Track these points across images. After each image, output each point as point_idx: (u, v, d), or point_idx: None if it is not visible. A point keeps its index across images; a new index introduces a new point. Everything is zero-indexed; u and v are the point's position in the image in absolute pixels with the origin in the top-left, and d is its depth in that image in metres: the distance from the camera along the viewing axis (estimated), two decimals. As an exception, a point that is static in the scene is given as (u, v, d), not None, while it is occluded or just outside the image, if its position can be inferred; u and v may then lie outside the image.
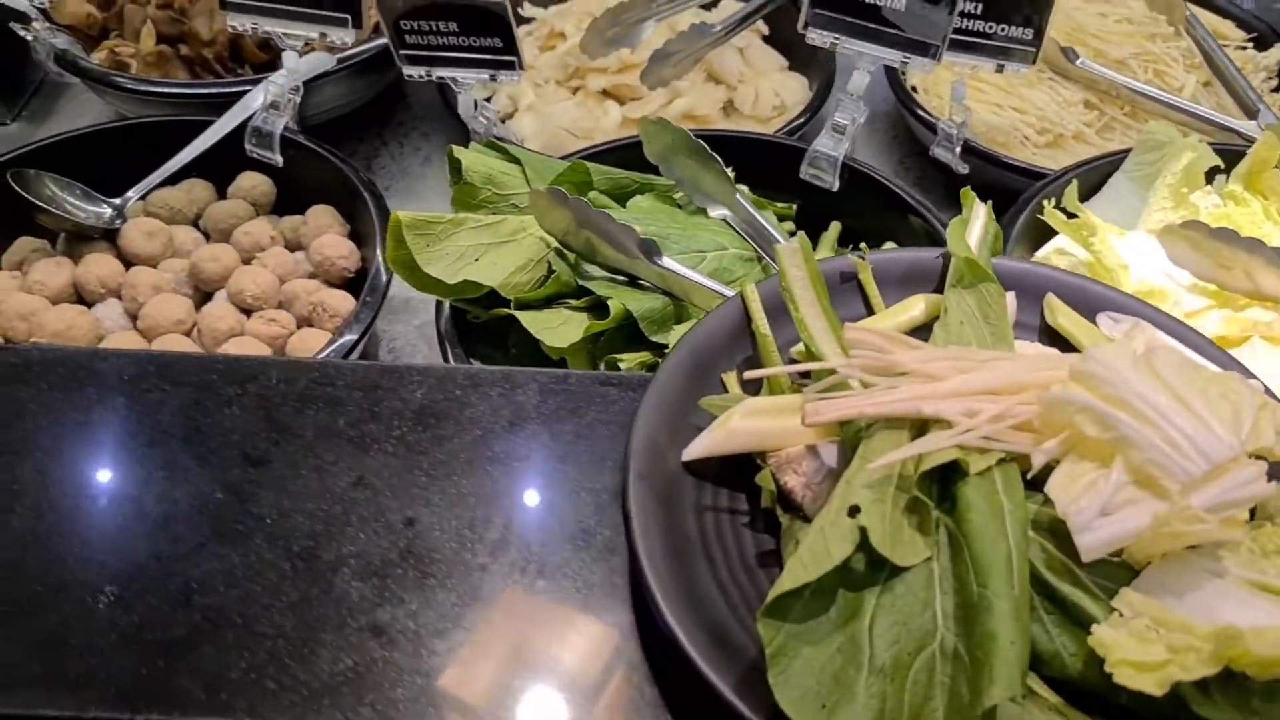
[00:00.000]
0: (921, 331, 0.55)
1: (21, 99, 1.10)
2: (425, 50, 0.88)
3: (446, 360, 0.74)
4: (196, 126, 0.91)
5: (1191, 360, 0.47)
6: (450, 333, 0.75)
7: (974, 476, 0.45)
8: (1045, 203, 0.79)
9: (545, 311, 0.74)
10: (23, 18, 0.95)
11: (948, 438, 0.44)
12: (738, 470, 0.51)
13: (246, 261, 0.84)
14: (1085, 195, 0.82)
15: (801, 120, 0.96)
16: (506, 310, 0.73)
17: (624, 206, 0.82)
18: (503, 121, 1.01)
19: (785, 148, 0.89)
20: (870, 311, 0.58)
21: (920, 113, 0.96)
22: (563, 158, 0.86)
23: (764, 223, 0.78)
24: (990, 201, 0.62)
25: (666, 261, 0.72)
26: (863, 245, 0.86)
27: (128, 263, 0.84)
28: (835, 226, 0.87)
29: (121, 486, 0.51)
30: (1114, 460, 0.43)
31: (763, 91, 1.02)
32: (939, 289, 0.57)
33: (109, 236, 0.85)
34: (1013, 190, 0.84)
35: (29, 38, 0.95)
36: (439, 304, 0.76)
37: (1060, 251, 0.79)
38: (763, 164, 0.88)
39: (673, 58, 0.99)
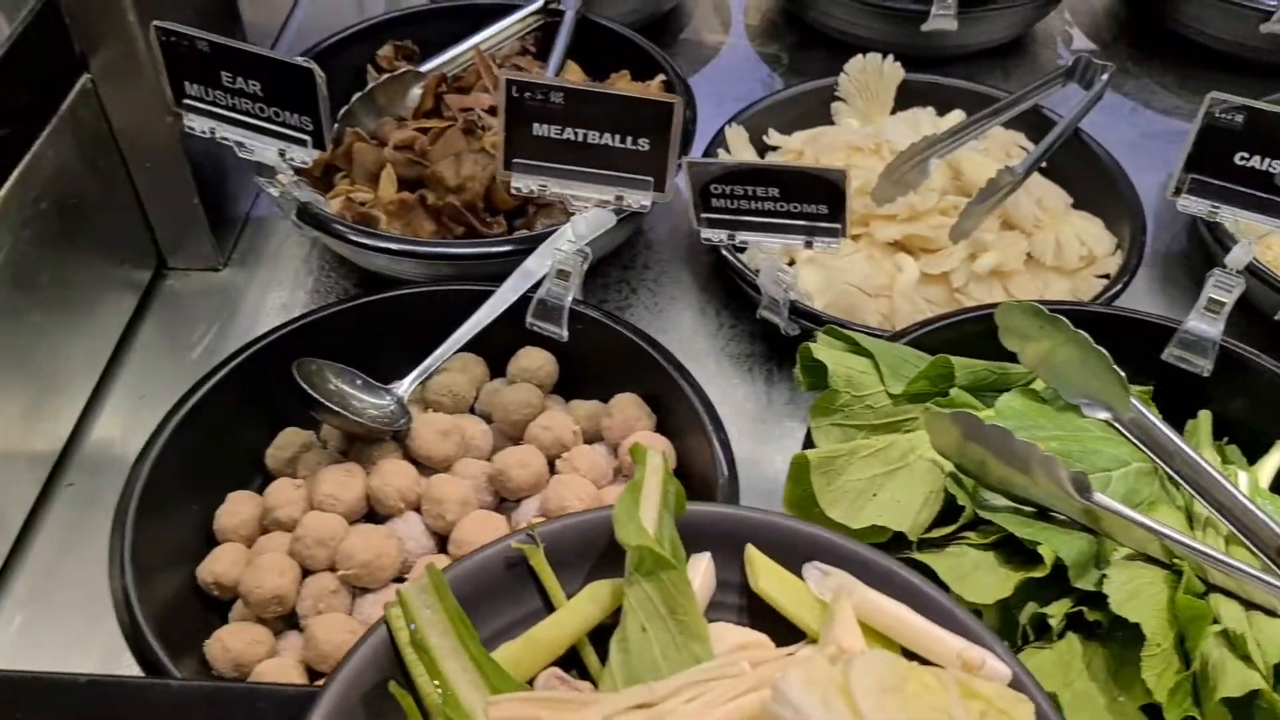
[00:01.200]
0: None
1: (230, 241, 1.01)
2: (727, 215, 0.80)
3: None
4: (460, 297, 0.82)
5: (897, 669, 0.40)
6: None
7: None
8: None
9: (951, 556, 0.64)
10: (267, 170, 0.86)
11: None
12: None
13: (551, 462, 0.75)
14: None
15: (1120, 286, 0.87)
16: (908, 555, 0.63)
17: (985, 404, 0.73)
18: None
19: (1138, 322, 0.80)
20: (548, 603, 0.50)
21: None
22: (894, 337, 0.77)
23: (1167, 432, 0.68)
24: (663, 453, 0.54)
25: (1101, 499, 0.62)
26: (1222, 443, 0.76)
27: (415, 464, 0.74)
28: (1205, 416, 0.77)
29: None
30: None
31: (1065, 239, 0.92)
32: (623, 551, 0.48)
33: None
34: None
35: (273, 192, 0.85)
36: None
37: None
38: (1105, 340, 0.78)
39: (975, 207, 0.89)
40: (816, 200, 0.78)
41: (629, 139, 0.77)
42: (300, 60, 0.75)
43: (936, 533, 0.64)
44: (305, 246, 1.02)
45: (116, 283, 0.92)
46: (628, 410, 0.77)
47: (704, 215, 0.81)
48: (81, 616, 0.75)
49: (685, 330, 0.94)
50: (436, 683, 0.44)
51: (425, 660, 0.45)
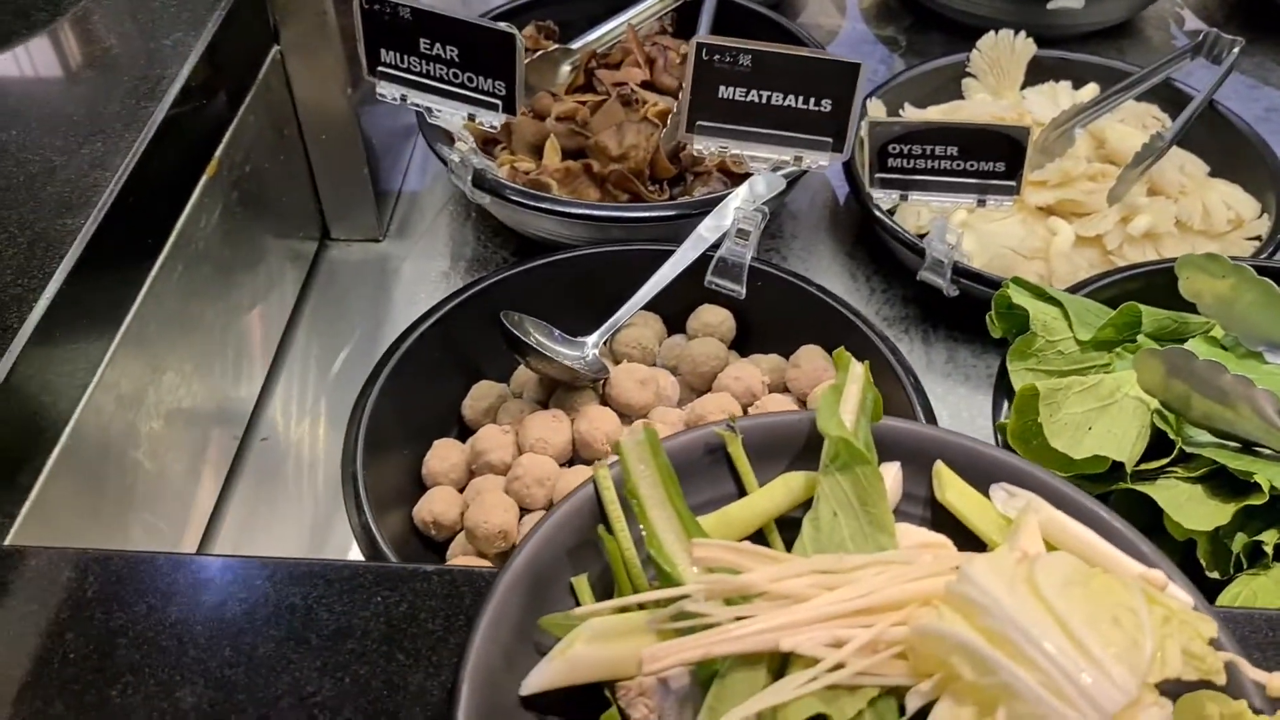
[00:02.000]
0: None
1: (389, 213, 1.04)
2: (901, 175, 0.82)
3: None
4: (642, 257, 0.84)
5: (1081, 569, 0.41)
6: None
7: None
8: None
9: (1165, 487, 0.66)
10: (446, 137, 0.90)
11: (808, 680, 0.39)
12: (588, 702, 0.44)
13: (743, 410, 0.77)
14: None
15: (1275, 247, 0.89)
16: (1125, 485, 0.65)
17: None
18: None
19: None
20: (742, 491, 0.52)
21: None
22: (1074, 289, 0.79)
23: (1355, 372, 0.71)
24: (867, 362, 0.54)
25: (1313, 430, 0.64)
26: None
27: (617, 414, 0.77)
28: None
29: None
30: (996, 709, 0.37)
31: (1212, 204, 0.94)
32: (816, 450, 0.49)
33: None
34: None
35: (454, 158, 0.89)
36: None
37: None
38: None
39: (1129, 172, 0.91)
40: (995, 158, 0.81)
41: (812, 100, 0.80)
42: (503, 26, 0.78)
43: (1146, 466, 0.66)
44: (459, 218, 1.05)
45: (290, 252, 0.95)
46: (814, 361, 0.79)
47: (878, 176, 0.84)
48: (287, 549, 0.78)
49: (837, 291, 0.97)
50: (642, 526, 0.46)
51: (636, 506, 0.47)
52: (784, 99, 0.80)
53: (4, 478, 0.54)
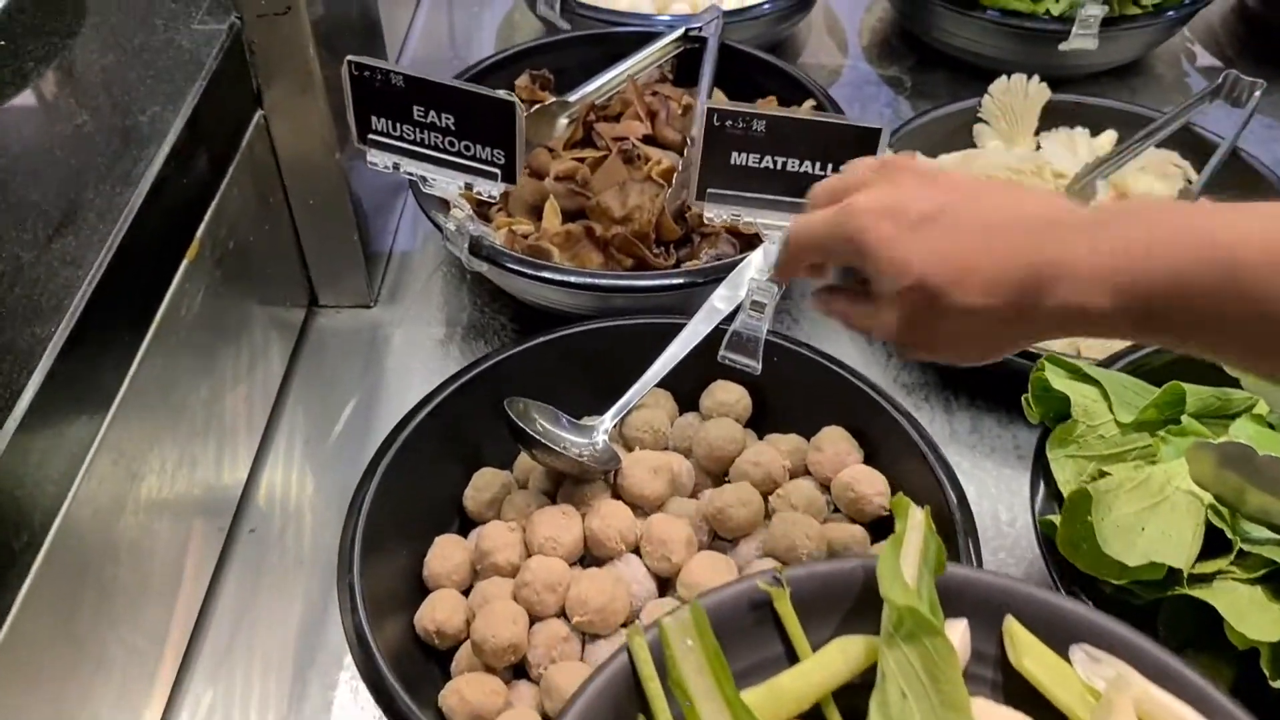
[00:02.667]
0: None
1: (379, 277, 0.99)
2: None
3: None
4: (651, 331, 0.80)
5: None
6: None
7: None
8: None
9: (1224, 591, 0.62)
10: (440, 203, 0.85)
11: None
12: None
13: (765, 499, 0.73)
14: None
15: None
16: (1181, 591, 0.61)
17: (1213, 431, 0.71)
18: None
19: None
20: (790, 654, 0.48)
21: None
22: (1107, 364, 0.75)
23: None
24: (928, 508, 0.50)
25: (1380, 529, 0.60)
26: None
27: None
28: None
29: None
30: None
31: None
32: (872, 606, 0.45)
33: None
34: None
35: (450, 226, 0.84)
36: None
37: None
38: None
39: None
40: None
41: (830, 165, 0.75)
42: (502, 94, 0.74)
43: (1202, 568, 0.62)
44: (454, 281, 1.00)
45: (276, 322, 0.90)
46: (837, 444, 0.75)
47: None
48: (276, 657, 0.73)
49: (853, 360, 0.92)
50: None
51: (681, 696, 0.43)
52: (800, 164, 0.76)
53: (-32, 627, 0.49)
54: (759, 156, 0.75)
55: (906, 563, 0.44)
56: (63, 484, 0.57)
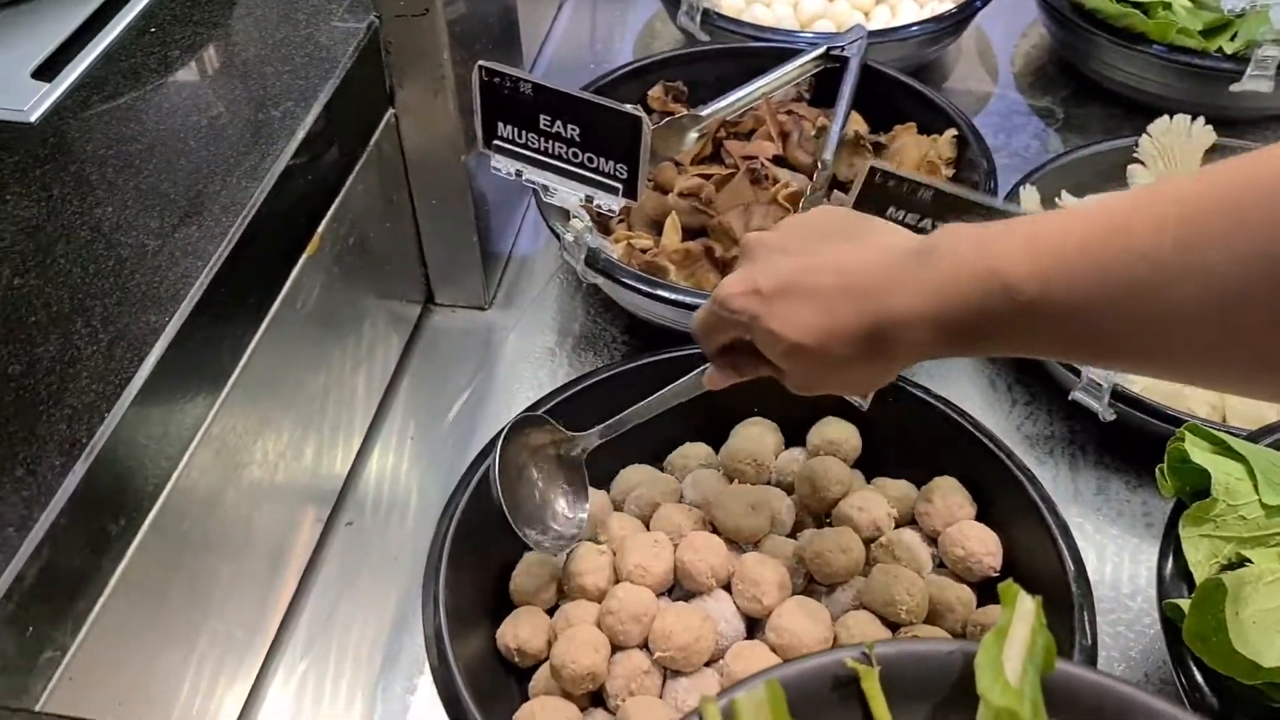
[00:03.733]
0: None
1: (496, 280, 0.99)
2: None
3: None
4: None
5: None
6: None
7: None
8: None
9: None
10: (561, 212, 0.84)
11: None
12: None
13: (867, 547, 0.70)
14: None
15: None
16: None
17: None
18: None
19: None
20: None
21: None
22: (1255, 437, 0.69)
23: None
24: (1039, 599, 0.45)
25: None
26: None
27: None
28: None
29: None
30: None
31: None
32: (968, 694, 0.42)
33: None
34: None
35: (568, 236, 0.83)
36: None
37: None
38: None
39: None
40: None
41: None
42: (629, 108, 0.72)
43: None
44: (569, 289, 0.99)
45: (391, 318, 0.91)
46: (950, 496, 0.71)
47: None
48: (363, 653, 0.74)
49: (974, 405, 0.88)
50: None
51: None
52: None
53: (60, 608, 0.50)
54: (919, 217, 0.72)
55: (1010, 656, 0.41)
56: (166, 468, 0.58)
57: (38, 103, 0.71)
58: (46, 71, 0.73)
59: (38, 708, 0.49)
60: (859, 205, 0.66)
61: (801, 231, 0.57)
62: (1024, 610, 0.42)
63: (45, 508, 0.49)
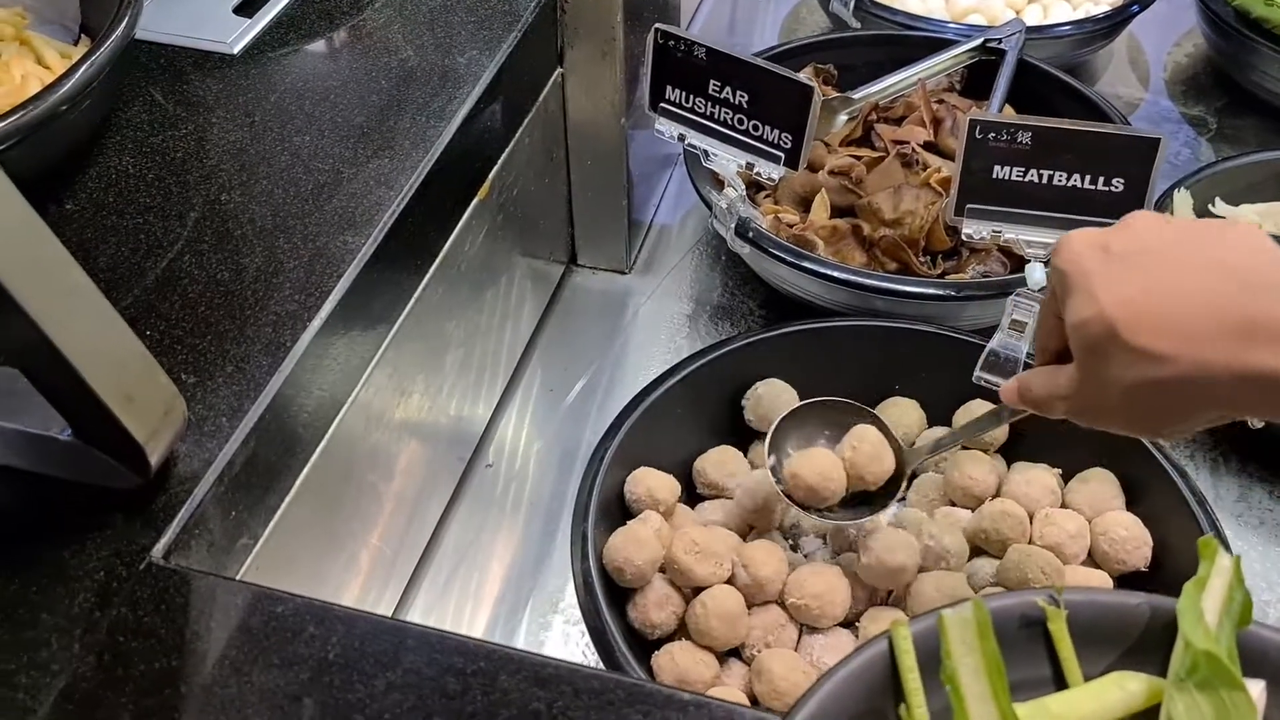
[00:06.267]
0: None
1: (637, 246, 1.01)
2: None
3: None
4: (899, 336, 0.78)
5: None
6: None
7: None
8: None
9: None
10: (713, 180, 0.86)
11: None
12: None
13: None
14: None
15: None
16: None
17: None
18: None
19: None
20: (1058, 678, 0.44)
21: None
22: None
23: None
24: (1238, 557, 0.43)
25: None
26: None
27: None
28: None
29: None
30: None
31: None
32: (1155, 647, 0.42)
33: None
34: None
35: (721, 203, 0.84)
36: None
37: None
38: None
39: None
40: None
41: (1101, 179, 0.71)
42: (802, 77, 0.73)
43: None
44: (708, 260, 1.01)
45: (537, 275, 0.93)
46: (1101, 487, 0.71)
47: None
48: (497, 588, 0.77)
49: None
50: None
51: (952, 693, 0.41)
52: (1068, 179, 0.72)
53: (258, 499, 0.53)
54: (1023, 170, 0.73)
55: (1207, 609, 0.41)
56: (346, 388, 0.61)
57: (239, 36, 0.75)
58: (247, 8, 0.77)
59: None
60: (965, 169, 0.67)
61: (1186, 222, 0.49)
62: (1222, 565, 0.43)
63: (255, 401, 0.52)
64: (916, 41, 1.06)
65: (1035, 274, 0.77)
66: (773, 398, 0.76)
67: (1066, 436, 0.73)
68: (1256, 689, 0.42)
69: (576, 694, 0.41)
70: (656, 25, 0.76)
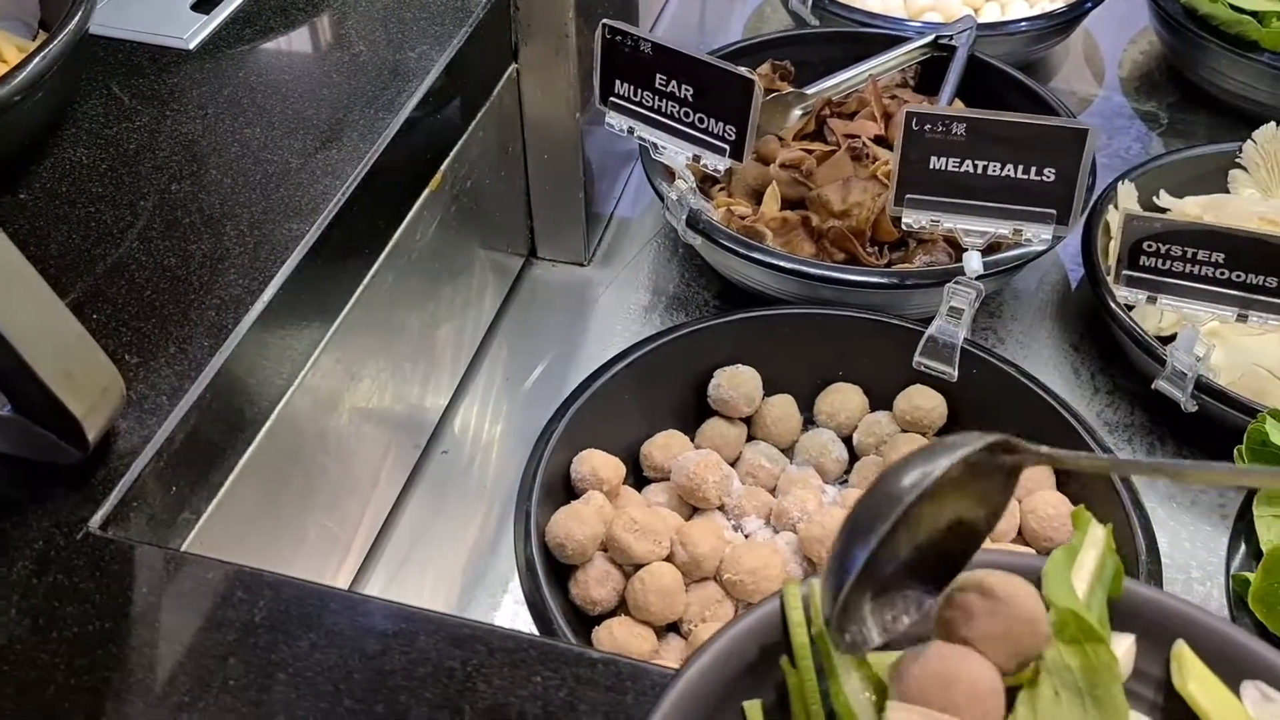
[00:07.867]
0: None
1: (596, 239, 1.04)
2: (1153, 276, 0.75)
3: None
4: (844, 324, 0.80)
5: None
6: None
7: None
8: None
9: None
10: (666, 173, 0.88)
11: None
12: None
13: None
14: None
15: None
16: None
17: None
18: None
19: None
20: None
21: None
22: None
23: None
24: (1110, 527, 0.45)
25: None
26: None
27: (801, 487, 0.73)
28: None
29: None
30: None
31: None
32: None
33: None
34: None
35: (672, 196, 0.87)
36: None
37: None
38: None
39: None
40: (1267, 272, 0.72)
41: (1033, 169, 0.74)
42: (743, 70, 0.75)
43: None
44: (665, 253, 1.03)
45: (495, 266, 0.95)
46: (1031, 468, 0.73)
47: (1126, 273, 0.77)
48: (448, 571, 0.79)
49: (1057, 390, 0.89)
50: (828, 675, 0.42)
51: (824, 652, 0.43)
52: (1002, 169, 0.75)
53: (199, 475, 0.55)
54: (959, 161, 0.75)
55: (1079, 574, 0.43)
56: (292, 370, 0.63)
57: (196, 32, 0.77)
58: (205, 4, 0.79)
59: (172, 564, 0.54)
60: (904, 160, 0.69)
61: None
62: (1095, 536, 0.45)
63: (195, 380, 0.54)
64: (872, 39, 1.08)
65: (973, 262, 0.79)
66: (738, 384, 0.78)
67: (999, 417, 0.77)
68: (1126, 642, 0.44)
69: (491, 653, 0.43)
70: (604, 21, 0.78)
